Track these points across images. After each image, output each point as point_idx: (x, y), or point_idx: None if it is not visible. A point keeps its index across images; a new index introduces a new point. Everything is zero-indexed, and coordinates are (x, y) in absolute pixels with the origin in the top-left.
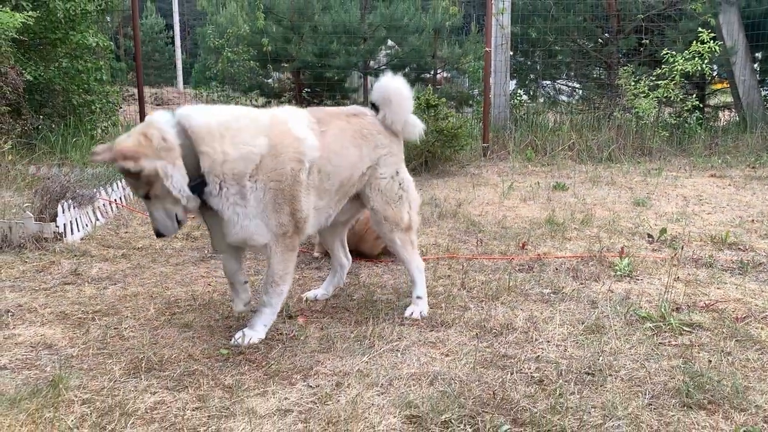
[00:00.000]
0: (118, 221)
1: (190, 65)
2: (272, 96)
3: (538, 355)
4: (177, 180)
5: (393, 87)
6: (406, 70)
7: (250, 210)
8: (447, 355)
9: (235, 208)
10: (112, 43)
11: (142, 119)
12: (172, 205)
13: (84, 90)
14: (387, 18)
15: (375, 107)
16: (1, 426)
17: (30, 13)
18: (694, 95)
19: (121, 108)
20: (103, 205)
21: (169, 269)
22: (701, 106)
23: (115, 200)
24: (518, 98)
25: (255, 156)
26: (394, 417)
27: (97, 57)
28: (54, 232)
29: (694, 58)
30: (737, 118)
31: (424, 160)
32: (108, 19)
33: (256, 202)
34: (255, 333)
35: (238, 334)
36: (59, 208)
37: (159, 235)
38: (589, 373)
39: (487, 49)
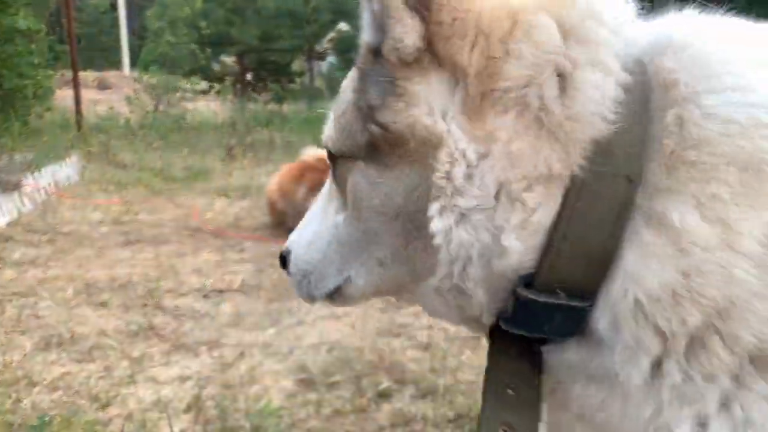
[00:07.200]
0: (46, 207)
1: (138, 48)
2: (215, 80)
3: (431, 324)
4: None
5: None
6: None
7: None
8: (349, 327)
9: None
10: (43, 26)
11: (77, 104)
12: None
13: (16, 74)
14: (333, 1)
15: None
16: None
17: None
18: None
19: (54, 93)
20: (31, 191)
21: (93, 252)
22: None
23: (44, 187)
24: None
25: None
26: (288, 380)
27: (30, 40)
28: None
29: None
30: None
31: None
32: None
33: None
34: None
35: None
36: None
37: None
38: (475, 337)
39: None
